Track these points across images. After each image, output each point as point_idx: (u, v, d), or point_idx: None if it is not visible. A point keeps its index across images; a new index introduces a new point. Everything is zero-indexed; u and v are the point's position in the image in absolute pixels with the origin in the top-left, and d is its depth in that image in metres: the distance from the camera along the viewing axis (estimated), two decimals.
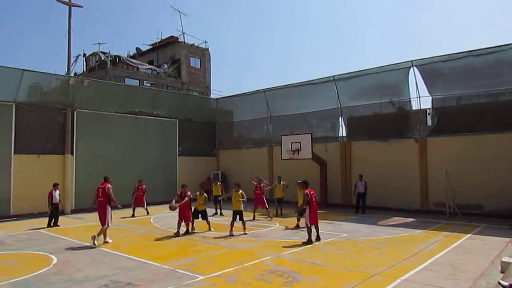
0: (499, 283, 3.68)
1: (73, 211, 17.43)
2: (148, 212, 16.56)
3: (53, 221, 13.66)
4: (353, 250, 9.67)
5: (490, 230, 11.80)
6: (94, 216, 16.16)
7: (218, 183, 17.50)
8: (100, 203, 10.60)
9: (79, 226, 14.14)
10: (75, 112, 18.21)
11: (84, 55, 32.63)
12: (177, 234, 11.67)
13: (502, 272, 6.20)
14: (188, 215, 11.96)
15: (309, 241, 10.27)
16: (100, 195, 10.59)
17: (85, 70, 32.46)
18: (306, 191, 10.58)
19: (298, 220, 12.83)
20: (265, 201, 15.33)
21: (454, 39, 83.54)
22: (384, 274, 7.39)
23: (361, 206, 16.19)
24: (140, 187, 16.65)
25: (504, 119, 14.68)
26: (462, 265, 7.94)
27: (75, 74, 29.81)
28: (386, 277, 7.18)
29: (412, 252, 9.18)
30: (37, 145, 16.93)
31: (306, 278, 7.20)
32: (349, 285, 6.69)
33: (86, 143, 18.44)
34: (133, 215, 15.95)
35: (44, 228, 13.28)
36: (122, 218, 15.47)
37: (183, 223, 11.92)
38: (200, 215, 12.47)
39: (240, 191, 12.10)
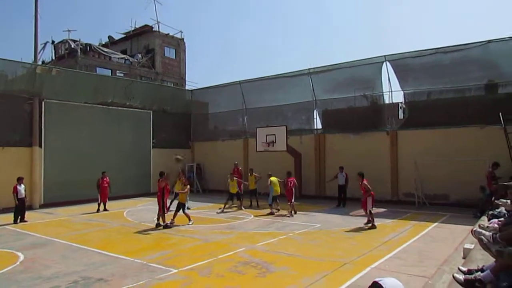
0: (458, 268, 3.86)
1: (42, 206, 16.82)
2: (106, 209, 15.54)
3: (19, 216, 13.12)
4: (325, 240, 9.89)
5: (455, 219, 12.32)
6: (64, 210, 15.88)
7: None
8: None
9: (48, 221, 13.69)
10: (43, 102, 17.48)
11: (53, 42, 31.28)
12: (167, 226, 11.65)
13: (464, 258, 6.49)
14: (160, 206, 11.87)
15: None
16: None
17: (53, 58, 31.18)
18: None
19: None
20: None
21: (429, 35, 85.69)
22: (355, 262, 7.61)
23: (343, 197, 15.95)
24: (104, 179, 15.66)
25: (470, 114, 15.24)
26: (428, 253, 8.28)
27: (43, 62, 28.60)
28: (356, 265, 7.41)
29: (382, 241, 9.48)
30: (2, 136, 16.14)
31: (279, 268, 7.31)
32: (321, 274, 6.86)
33: (55, 134, 17.78)
34: (98, 210, 15.28)
35: (10, 224, 12.74)
36: (86, 214, 14.86)
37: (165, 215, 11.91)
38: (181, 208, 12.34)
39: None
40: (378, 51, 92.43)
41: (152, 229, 11.52)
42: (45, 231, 11.51)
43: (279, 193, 14.40)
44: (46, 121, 17.53)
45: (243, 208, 15.36)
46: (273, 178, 14.60)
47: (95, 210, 15.30)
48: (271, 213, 14.05)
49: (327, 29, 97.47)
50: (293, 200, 13.88)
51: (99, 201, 15.50)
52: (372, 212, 11.45)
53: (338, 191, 16.15)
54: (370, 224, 11.35)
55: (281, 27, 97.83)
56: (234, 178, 15.49)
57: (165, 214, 11.94)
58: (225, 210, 14.88)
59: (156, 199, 12.18)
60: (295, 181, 14.63)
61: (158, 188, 12.12)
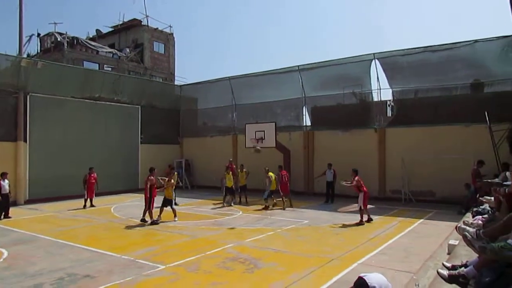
0: (443, 264, 3.93)
1: (27, 202, 16.53)
2: (92, 204, 15.32)
3: (3, 213, 12.85)
4: (313, 236, 9.95)
5: (441, 216, 12.54)
6: (50, 206, 15.65)
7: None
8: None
9: (33, 217, 13.48)
10: (28, 96, 17.12)
11: (39, 35, 30.69)
12: (154, 222, 11.60)
13: (448, 254, 6.61)
14: (146, 203, 11.83)
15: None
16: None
17: (39, 51, 30.62)
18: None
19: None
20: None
21: (421, 33, 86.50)
22: (342, 258, 7.68)
23: (330, 194, 16.18)
24: (92, 175, 15.42)
25: (457, 112, 15.46)
26: (414, 249, 8.40)
27: (28, 55, 28.04)
28: (343, 261, 7.48)
29: (368, 237, 9.59)
30: None
31: (266, 264, 7.33)
32: (308, 270, 6.90)
33: (41, 129, 17.45)
34: (84, 206, 15.06)
35: None
36: (72, 210, 14.62)
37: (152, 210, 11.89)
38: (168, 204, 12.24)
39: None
40: (369, 48, 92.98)
41: (139, 225, 11.45)
42: (30, 227, 11.33)
43: (275, 188, 14.69)
44: (32, 116, 17.19)
45: (233, 204, 15.39)
46: (271, 173, 14.85)
47: (82, 206, 15.11)
48: (266, 207, 14.27)
49: (318, 26, 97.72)
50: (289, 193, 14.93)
51: (86, 197, 15.30)
52: (362, 209, 11.53)
53: (326, 187, 16.29)
54: (368, 221, 11.53)
55: (272, 23, 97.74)
56: (230, 172, 15.85)
57: (152, 210, 11.89)
58: (225, 204, 15.52)
59: (143, 195, 12.11)
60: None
61: (146, 185, 12.00)
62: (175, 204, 14.74)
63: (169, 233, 10.42)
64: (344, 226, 11.18)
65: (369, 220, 11.59)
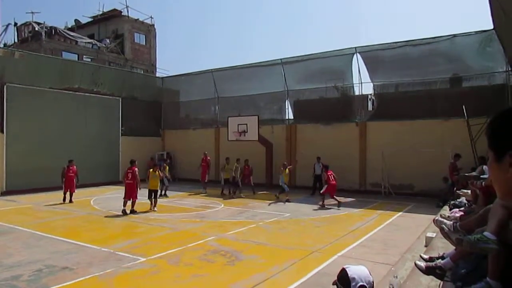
0: (420, 256, 4.01)
1: (4, 193, 16.10)
2: (71, 200, 14.31)
3: None
4: (294, 229, 10.04)
5: (419, 208, 12.82)
6: (28, 198, 15.25)
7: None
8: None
9: (11, 209, 13.10)
10: (5, 87, 16.60)
11: (15, 24, 29.66)
12: (124, 213, 11.62)
13: (426, 246, 6.77)
14: (135, 193, 11.91)
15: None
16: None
17: (16, 41, 29.59)
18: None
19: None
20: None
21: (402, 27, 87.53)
22: (323, 250, 7.78)
23: (318, 187, 16.22)
24: (71, 168, 14.59)
25: (436, 106, 15.75)
26: (392, 241, 8.58)
27: (4, 45, 27.07)
28: (324, 253, 7.57)
29: (349, 230, 9.73)
30: None
31: (248, 256, 7.36)
32: (289, 262, 6.96)
33: (19, 120, 16.97)
34: (64, 200, 14.31)
35: None
36: (51, 202, 14.13)
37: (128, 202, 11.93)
38: (153, 194, 12.53)
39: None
40: (351, 41, 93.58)
41: (120, 218, 11.31)
42: (8, 219, 11.01)
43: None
44: (9, 106, 16.72)
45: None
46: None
47: (61, 200, 14.37)
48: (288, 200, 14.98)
49: (300, 18, 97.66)
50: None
51: (64, 191, 14.47)
52: (323, 195, 13.22)
53: (313, 180, 16.50)
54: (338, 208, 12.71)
55: (255, 15, 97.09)
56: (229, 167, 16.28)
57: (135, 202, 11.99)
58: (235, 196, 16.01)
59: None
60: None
61: (131, 176, 12.10)
62: (165, 195, 15.44)
63: (150, 225, 10.32)
64: (325, 219, 11.31)
65: (323, 205, 13.02)
